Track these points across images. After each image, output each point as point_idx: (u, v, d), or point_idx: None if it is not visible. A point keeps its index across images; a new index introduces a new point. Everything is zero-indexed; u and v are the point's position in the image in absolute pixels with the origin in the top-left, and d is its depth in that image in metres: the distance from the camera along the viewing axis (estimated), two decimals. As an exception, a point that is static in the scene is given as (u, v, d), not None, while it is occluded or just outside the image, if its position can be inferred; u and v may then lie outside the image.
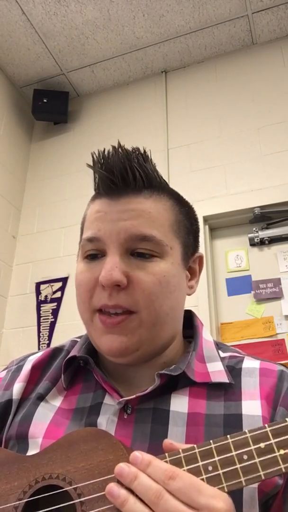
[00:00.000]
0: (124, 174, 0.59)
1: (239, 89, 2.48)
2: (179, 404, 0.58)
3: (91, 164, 0.62)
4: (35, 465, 0.50)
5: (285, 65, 2.44)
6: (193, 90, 2.60)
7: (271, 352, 1.86)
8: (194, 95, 2.58)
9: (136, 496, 0.43)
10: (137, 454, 0.45)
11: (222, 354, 0.65)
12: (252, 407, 0.57)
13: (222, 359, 0.63)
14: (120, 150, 0.60)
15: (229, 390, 0.59)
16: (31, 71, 2.70)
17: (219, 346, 0.67)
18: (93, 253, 0.60)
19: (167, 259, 0.59)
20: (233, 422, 0.56)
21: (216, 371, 0.60)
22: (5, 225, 2.51)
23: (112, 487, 0.44)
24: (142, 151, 0.61)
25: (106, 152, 0.60)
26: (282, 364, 0.64)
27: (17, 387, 0.64)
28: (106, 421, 0.57)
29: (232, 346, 0.70)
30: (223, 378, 0.59)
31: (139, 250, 0.58)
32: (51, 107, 2.71)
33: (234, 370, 0.62)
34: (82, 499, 0.46)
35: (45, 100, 2.70)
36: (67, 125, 2.82)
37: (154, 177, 0.62)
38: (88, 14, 2.36)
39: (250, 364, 0.63)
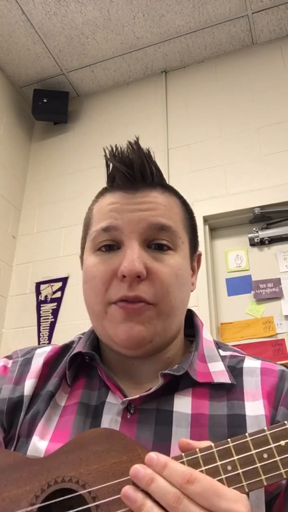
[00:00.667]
0: (143, 169, 0.61)
1: (239, 89, 2.48)
2: (183, 405, 0.58)
3: (106, 158, 0.63)
4: (47, 468, 0.49)
5: (285, 65, 2.45)
6: (193, 90, 2.60)
7: (271, 352, 1.86)
8: (194, 95, 2.58)
9: (153, 499, 0.42)
10: (153, 455, 0.44)
11: (223, 353, 0.65)
12: (255, 407, 0.57)
13: (223, 358, 0.64)
14: (137, 146, 0.61)
15: (231, 390, 0.59)
16: (31, 71, 2.70)
17: (219, 345, 0.68)
18: (109, 244, 0.60)
19: (180, 253, 0.61)
20: (237, 422, 0.56)
21: (218, 371, 0.61)
22: (5, 225, 2.51)
23: (128, 490, 0.42)
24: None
25: (119, 148, 0.62)
26: (282, 365, 0.64)
27: (29, 384, 0.63)
28: (110, 421, 0.57)
29: (232, 346, 0.71)
30: (225, 378, 0.59)
31: (158, 241, 0.59)
32: (51, 107, 2.71)
33: (235, 370, 0.62)
34: (97, 502, 0.45)
35: (45, 100, 2.70)
36: (67, 125, 2.82)
37: (163, 176, 0.65)
38: (88, 14, 2.36)
39: (251, 363, 0.63)
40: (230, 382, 0.59)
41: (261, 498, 0.52)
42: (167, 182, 0.68)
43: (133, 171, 0.61)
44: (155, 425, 0.56)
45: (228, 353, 0.66)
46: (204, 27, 2.45)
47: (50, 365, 0.66)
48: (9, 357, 0.70)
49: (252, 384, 0.60)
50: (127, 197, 0.61)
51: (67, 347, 0.69)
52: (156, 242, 0.59)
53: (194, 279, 0.68)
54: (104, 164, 0.64)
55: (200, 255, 0.70)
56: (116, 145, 0.62)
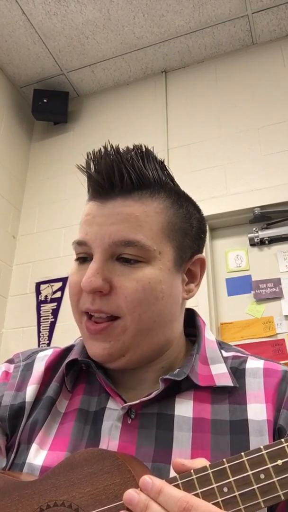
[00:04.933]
0: (111, 176, 0.58)
1: (239, 89, 2.48)
2: (184, 408, 0.57)
3: (85, 165, 0.60)
4: (38, 492, 0.47)
5: (285, 65, 2.45)
6: (193, 90, 2.60)
7: (271, 352, 1.86)
8: (194, 95, 2.58)
9: None
10: (147, 479, 0.42)
11: (225, 354, 0.64)
12: (257, 411, 0.56)
13: (225, 359, 0.63)
14: (112, 150, 0.58)
15: (233, 392, 0.58)
16: (31, 71, 2.70)
17: (221, 345, 0.66)
18: (82, 257, 0.60)
19: (154, 264, 0.57)
20: (239, 428, 0.55)
21: (220, 374, 0.60)
22: (5, 225, 2.50)
23: None
24: (144, 149, 0.60)
25: (98, 153, 0.59)
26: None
27: (31, 390, 0.63)
28: (110, 427, 0.56)
29: (235, 346, 0.70)
30: (228, 381, 0.58)
31: (124, 255, 0.56)
32: (51, 107, 2.71)
33: (237, 371, 0.61)
34: None
35: (45, 100, 2.70)
36: (67, 125, 2.82)
37: (148, 177, 0.59)
38: (88, 14, 2.36)
39: (254, 364, 0.62)
40: (232, 385, 0.58)
41: None
42: (169, 181, 0.65)
43: (101, 179, 0.58)
44: (156, 430, 0.55)
45: (230, 354, 0.64)
46: (204, 27, 2.45)
47: (51, 369, 0.66)
48: (10, 361, 0.69)
49: (255, 386, 0.59)
50: (99, 207, 0.59)
51: (68, 350, 0.68)
52: (122, 256, 0.57)
53: (193, 286, 0.64)
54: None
55: (201, 259, 0.64)
56: (99, 149, 0.59)
